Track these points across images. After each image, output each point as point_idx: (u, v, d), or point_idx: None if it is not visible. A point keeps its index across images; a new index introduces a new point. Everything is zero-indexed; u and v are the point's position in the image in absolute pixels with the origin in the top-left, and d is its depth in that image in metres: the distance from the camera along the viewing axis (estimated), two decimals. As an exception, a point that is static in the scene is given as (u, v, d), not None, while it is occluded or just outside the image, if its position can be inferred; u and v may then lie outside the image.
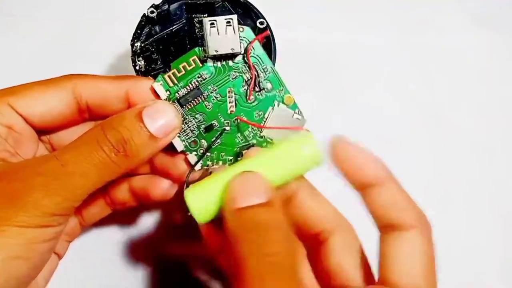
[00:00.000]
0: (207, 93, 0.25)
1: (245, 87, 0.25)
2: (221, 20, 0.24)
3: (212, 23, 0.24)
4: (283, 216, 0.20)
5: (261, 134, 0.26)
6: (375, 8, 0.47)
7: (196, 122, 0.26)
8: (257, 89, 0.25)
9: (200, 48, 0.25)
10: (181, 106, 0.25)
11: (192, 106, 0.25)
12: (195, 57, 0.25)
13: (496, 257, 0.37)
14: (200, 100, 0.25)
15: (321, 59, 0.43)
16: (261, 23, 0.32)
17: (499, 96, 0.43)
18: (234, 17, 0.24)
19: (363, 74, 0.43)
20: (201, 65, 0.25)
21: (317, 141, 0.21)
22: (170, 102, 0.25)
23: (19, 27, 0.42)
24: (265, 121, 0.25)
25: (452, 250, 0.36)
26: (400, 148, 0.40)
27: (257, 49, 0.26)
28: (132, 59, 0.30)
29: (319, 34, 0.44)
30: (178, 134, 0.25)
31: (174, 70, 0.25)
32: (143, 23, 0.31)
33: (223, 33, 0.24)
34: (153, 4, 0.32)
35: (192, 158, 0.26)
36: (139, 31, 0.31)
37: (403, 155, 0.40)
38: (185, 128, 0.25)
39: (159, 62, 0.30)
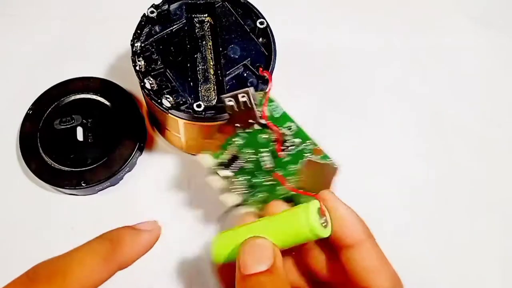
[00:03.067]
0: (245, 156, 0.27)
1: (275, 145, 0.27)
2: (237, 95, 0.26)
3: (230, 100, 0.26)
4: (283, 280, 0.22)
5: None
6: (375, 8, 0.47)
7: (243, 181, 0.28)
8: (284, 147, 0.26)
9: None
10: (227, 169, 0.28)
11: (237, 169, 0.28)
12: None
13: (496, 257, 0.37)
14: (242, 163, 0.27)
15: (321, 59, 0.43)
16: (261, 23, 0.32)
17: (499, 96, 0.43)
18: (249, 90, 0.26)
19: (363, 74, 0.43)
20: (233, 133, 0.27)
21: (313, 215, 0.22)
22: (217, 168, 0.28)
23: (19, 27, 0.42)
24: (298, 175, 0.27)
25: (452, 250, 0.36)
26: (400, 147, 0.40)
27: (278, 109, 0.27)
28: (132, 59, 0.30)
29: (319, 34, 0.44)
30: (233, 190, 0.28)
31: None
32: (143, 23, 0.31)
33: (240, 107, 0.26)
34: (153, 4, 0.32)
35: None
36: (139, 31, 0.31)
37: (403, 155, 0.40)
38: (236, 187, 0.28)
39: (159, 62, 0.30)
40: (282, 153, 0.26)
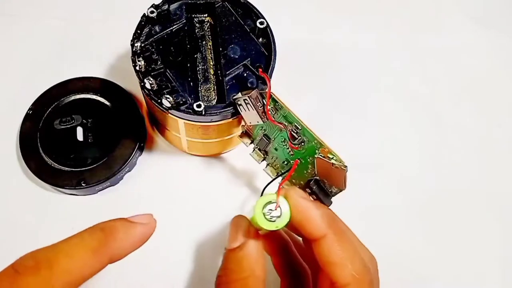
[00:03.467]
0: (272, 141, 0.31)
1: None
2: (241, 98, 0.28)
3: (240, 104, 0.29)
4: (253, 258, 0.25)
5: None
6: (375, 8, 0.47)
7: (276, 160, 0.32)
8: (295, 141, 0.28)
9: None
10: (261, 150, 0.32)
11: (268, 149, 0.32)
12: None
13: (496, 257, 0.37)
14: (271, 146, 0.31)
15: (321, 59, 0.43)
16: (261, 23, 0.32)
17: (499, 96, 0.43)
18: (255, 92, 0.28)
19: (363, 74, 0.43)
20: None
21: (257, 210, 0.25)
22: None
23: (19, 27, 0.42)
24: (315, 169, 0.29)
25: (452, 250, 0.36)
26: (400, 147, 0.40)
27: (283, 110, 0.28)
28: (132, 59, 0.30)
29: (319, 34, 0.44)
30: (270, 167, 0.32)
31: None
32: (143, 23, 0.31)
33: (248, 109, 0.28)
34: (153, 4, 0.32)
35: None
36: (139, 31, 0.31)
37: (403, 155, 0.40)
38: (272, 163, 0.32)
39: (159, 62, 0.30)
40: (295, 145, 0.28)
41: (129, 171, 0.37)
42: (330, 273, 0.24)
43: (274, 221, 0.25)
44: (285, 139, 0.29)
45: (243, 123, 0.32)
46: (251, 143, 0.32)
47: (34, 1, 0.44)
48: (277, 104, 0.28)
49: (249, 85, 0.30)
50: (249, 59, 0.31)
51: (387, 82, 0.43)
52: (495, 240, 0.37)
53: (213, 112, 0.29)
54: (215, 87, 0.31)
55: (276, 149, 0.31)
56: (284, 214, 0.25)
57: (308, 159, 0.29)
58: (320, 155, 0.27)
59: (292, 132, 0.28)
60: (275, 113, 0.29)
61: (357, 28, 0.45)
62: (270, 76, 0.30)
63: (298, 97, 0.41)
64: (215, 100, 0.31)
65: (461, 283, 0.36)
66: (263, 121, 0.28)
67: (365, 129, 0.40)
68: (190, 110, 0.29)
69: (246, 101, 0.28)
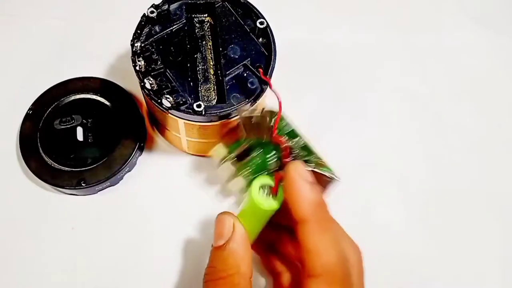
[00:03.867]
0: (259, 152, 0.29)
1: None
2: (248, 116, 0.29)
3: (246, 115, 0.29)
4: (238, 255, 0.25)
5: None
6: (375, 8, 0.47)
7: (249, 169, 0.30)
8: (291, 157, 0.28)
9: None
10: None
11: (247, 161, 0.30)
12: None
13: (496, 257, 0.37)
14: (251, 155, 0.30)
15: (321, 59, 0.43)
16: (261, 23, 0.32)
17: (499, 96, 0.43)
18: (266, 111, 0.29)
19: (363, 74, 0.43)
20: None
21: (254, 189, 0.26)
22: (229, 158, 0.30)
23: (19, 27, 0.42)
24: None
25: (452, 250, 0.36)
26: (400, 147, 0.40)
27: (287, 126, 0.29)
28: (132, 59, 0.30)
29: (319, 34, 0.44)
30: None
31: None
32: (143, 23, 0.31)
33: (255, 124, 0.29)
34: (153, 4, 0.32)
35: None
36: (139, 31, 0.31)
37: (403, 154, 0.40)
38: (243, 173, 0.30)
39: (159, 62, 0.30)
40: (288, 159, 0.28)
41: (129, 171, 0.37)
42: (306, 261, 0.24)
43: (273, 199, 0.26)
44: (276, 152, 0.29)
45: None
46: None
47: (34, 1, 0.44)
48: (282, 121, 0.29)
49: (249, 85, 0.30)
50: (249, 59, 0.31)
51: (387, 82, 0.43)
52: (495, 240, 0.37)
53: (213, 112, 0.29)
54: (215, 87, 0.31)
55: (255, 161, 0.29)
56: (279, 195, 0.26)
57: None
58: (314, 168, 0.27)
59: (289, 148, 0.28)
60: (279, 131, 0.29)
61: (357, 28, 0.45)
62: (270, 76, 0.30)
63: (298, 97, 0.41)
64: (215, 100, 0.31)
65: (461, 283, 0.36)
66: (269, 138, 0.28)
67: (365, 129, 0.40)
68: (190, 110, 0.29)
69: (252, 119, 0.29)
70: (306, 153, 0.28)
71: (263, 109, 0.29)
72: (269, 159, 0.29)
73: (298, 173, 0.25)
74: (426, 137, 0.41)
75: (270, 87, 0.30)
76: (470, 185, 0.39)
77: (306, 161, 0.28)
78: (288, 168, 0.25)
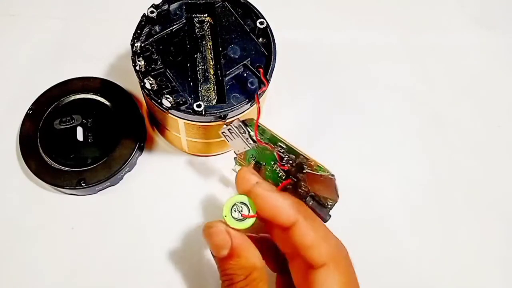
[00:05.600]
0: (262, 166, 0.31)
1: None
2: (226, 128, 0.29)
3: (226, 134, 0.29)
4: (245, 260, 0.25)
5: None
6: (375, 8, 0.47)
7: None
8: (283, 160, 0.28)
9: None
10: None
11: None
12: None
13: (496, 257, 0.36)
14: (263, 173, 0.31)
15: (321, 59, 0.43)
16: (261, 23, 0.32)
17: (499, 96, 0.43)
18: (234, 123, 0.28)
19: (363, 74, 0.43)
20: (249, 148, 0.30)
21: (225, 212, 0.26)
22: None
23: (19, 27, 0.42)
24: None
25: (452, 250, 0.36)
26: (400, 147, 0.40)
27: (265, 133, 0.29)
28: (132, 59, 0.30)
29: (319, 34, 0.44)
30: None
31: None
32: (143, 23, 0.31)
33: (233, 138, 0.29)
34: (153, 4, 0.32)
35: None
36: (139, 31, 0.31)
37: (403, 154, 0.40)
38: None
39: (159, 62, 0.30)
40: (285, 166, 0.28)
41: (129, 171, 0.37)
42: (307, 257, 0.25)
43: (242, 221, 0.26)
44: (274, 162, 0.29)
45: (234, 155, 0.32)
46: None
47: (34, 1, 0.44)
48: (259, 128, 0.29)
49: (249, 85, 0.30)
50: (249, 59, 0.31)
51: (387, 82, 0.43)
52: (495, 240, 0.37)
53: (213, 112, 0.29)
54: (215, 87, 0.31)
55: (268, 175, 0.30)
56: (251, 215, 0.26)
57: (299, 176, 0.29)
58: (308, 170, 0.27)
59: (279, 153, 0.28)
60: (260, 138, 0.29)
61: (357, 28, 0.45)
62: (270, 76, 0.30)
63: (298, 97, 0.41)
64: (215, 100, 0.31)
65: (461, 283, 0.35)
66: (249, 146, 0.29)
67: (365, 129, 0.40)
68: (190, 110, 0.29)
69: (230, 130, 0.29)
70: (294, 155, 0.28)
71: (237, 119, 0.29)
72: (276, 169, 0.29)
73: (265, 189, 0.26)
74: (426, 137, 0.41)
75: (266, 85, 0.30)
76: (470, 185, 0.39)
77: (301, 164, 0.28)
78: (254, 191, 0.26)
